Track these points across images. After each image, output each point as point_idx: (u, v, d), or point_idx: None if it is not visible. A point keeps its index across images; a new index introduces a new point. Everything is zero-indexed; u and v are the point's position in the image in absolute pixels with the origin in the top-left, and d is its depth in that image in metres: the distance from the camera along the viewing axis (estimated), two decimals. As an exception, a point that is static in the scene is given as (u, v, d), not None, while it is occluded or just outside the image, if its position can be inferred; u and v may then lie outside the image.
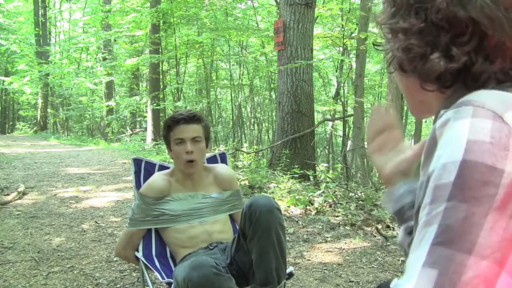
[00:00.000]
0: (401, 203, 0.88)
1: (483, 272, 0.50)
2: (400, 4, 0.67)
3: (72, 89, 16.99)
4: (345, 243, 3.34)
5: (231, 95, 14.84)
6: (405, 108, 11.20)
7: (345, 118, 8.76)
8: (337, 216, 4.00)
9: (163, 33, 11.40)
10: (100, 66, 15.42)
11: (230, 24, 11.41)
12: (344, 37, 9.25)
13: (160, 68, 12.36)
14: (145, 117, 13.46)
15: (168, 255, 2.07)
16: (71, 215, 3.99)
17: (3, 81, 16.39)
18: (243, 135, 14.84)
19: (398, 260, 3.00)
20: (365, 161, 7.87)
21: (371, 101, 14.02)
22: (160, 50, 11.62)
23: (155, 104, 10.97)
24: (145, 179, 2.12)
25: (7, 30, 18.43)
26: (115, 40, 14.78)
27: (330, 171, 7.80)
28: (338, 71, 11.99)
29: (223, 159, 2.38)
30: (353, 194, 4.77)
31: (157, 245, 2.06)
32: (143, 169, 2.19)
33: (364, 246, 3.26)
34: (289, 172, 5.55)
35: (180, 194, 2.02)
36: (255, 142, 14.36)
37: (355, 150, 7.69)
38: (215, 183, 2.10)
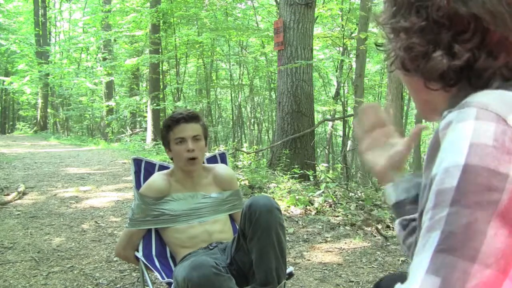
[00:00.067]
0: (405, 195, 0.87)
1: (487, 281, 0.49)
2: (401, 3, 0.67)
3: (72, 89, 17.00)
4: (345, 243, 3.34)
5: (231, 95, 14.84)
6: (405, 108, 11.20)
7: (345, 118, 8.75)
8: (337, 216, 4.00)
9: (163, 33, 11.40)
10: (100, 66, 15.42)
11: (230, 24, 11.41)
12: (344, 37, 9.25)
13: (160, 68, 12.36)
14: (145, 117, 13.46)
15: (168, 255, 2.07)
16: (71, 215, 3.99)
17: (3, 81, 16.40)
18: (243, 135, 14.84)
19: (398, 260, 3.00)
20: (365, 161, 7.85)
21: (371, 101, 14.00)
22: (160, 50, 11.62)
23: (155, 104, 10.97)
24: (145, 179, 2.12)
25: (7, 30, 18.43)
26: (115, 40, 14.78)
27: (330, 171, 7.79)
28: (338, 71, 11.98)
29: (223, 159, 2.38)
30: (353, 194, 4.77)
31: (157, 245, 2.06)
32: (143, 169, 2.19)
33: (364, 246, 3.26)
34: (289, 172, 5.55)
35: (180, 194, 2.02)
36: (255, 142, 14.36)
37: (355, 150, 7.70)
38: (215, 183, 2.10)
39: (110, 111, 15.74)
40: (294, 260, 2.98)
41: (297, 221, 3.85)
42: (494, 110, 0.55)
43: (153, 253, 2.03)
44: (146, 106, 12.72)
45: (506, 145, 0.53)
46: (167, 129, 2.00)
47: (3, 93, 20.72)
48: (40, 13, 17.42)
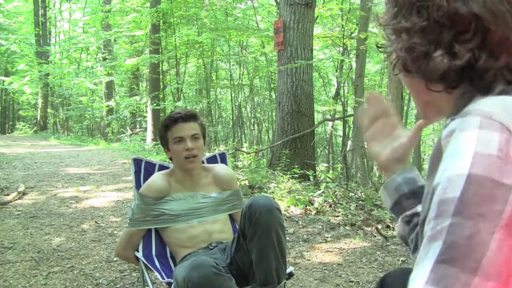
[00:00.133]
0: (398, 194, 0.88)
1: None
2: (402, 4, 0.67)
3: (72, 89, 17.00)
4: (345, 243, 3.34)
5: (231, 95, 14.84)
6: (405, 108, 11.20)
7: (345, 118, 8.76)
8: (337, 216, 4.00)
9: (163, 33, 11.40)
10: (100, 66, 15.43)
11: (230, 24, 11.41)
12: (344, 37, 9.25)
13: (160, 68, 12.36)
14: (145, 117, 13.46)
15: (168, 255, 2.07)
16: (71, 215, 3.99)
17: (3, 81, 16.40)
18: (243, 135, 14.84)
19: (398, 260, 3.00)
20: (365, 161, 7.88)
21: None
22: (160, 50, 11.62)
23: (155, 104, 10.97)
24: (145, 179, 2.12)
25: (7, 30, 18.43)
26: (115, 40, 14.79)
27: (330, 171, 7.79)
28: (338, 71, 11.98)
29: (223, 159, 2.38)
30: (353, 194, 4.77)
31: (157, 245, 2.06)
32: (143, 169, 2.19)
33: (364, 246, 3.26)
34: (289, 172, 5.55)
35: (180, 194, 2.02)
36: (255, 142, 14.37)
37: (355, 150, 7.70)
38: (214, 183, 2.10)
39: (110, 111, 15.74)
40: (294, 260, 2.98)
41: (297, 221, 3.85)
42: (498, 119, 0.54)
43: (153, 253, 2.03)
44: (146, 106, 12.72)
45: (510, 155, 0.52)
46: (165, 128, 1.99)
47: (3, 93, 20.73)
48: (40, 13, 17.42)
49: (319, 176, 6.29)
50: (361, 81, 7.66)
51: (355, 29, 9.36)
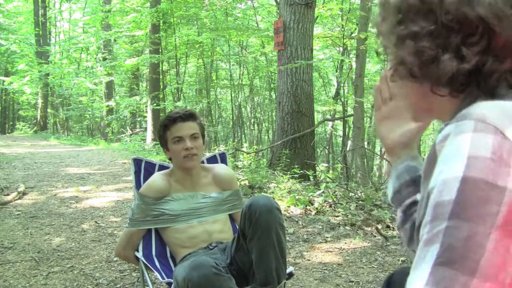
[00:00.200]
0: (399, 182, 0.88)
1: None
2: (407, 9, 0.67)
3: (72, 89, 17.01)
4: (345, 243, 3.34)
5: (231, 95, 14.84)
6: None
7: (345, 118, 8.76)
8: (337, 216, 4.00)
9: (163, 33, 11.40)
10: (100, 66, 15.43)
11: (230, 24, 11.41)
12: (344, 37, 9.25)
13: (160, 68, 12.36)
14: (145, 117, 13.46)
15: (168, 255, 2.07)
16: (71, 215, 3.99)
17: (3, 81, 16.41)
18: (243, 135, 14.84)
19: (398, 260, 3.00)
20: (365, 161, 7.87)
21: (371, 101, 14.00)
22: (160, 50, 11.62)
23: (155, 104, 10.98)
24: (145, 179, 2.12)
25: (7, 30, 18.44)
26: (115, 40, 14.79)
27: (330, 171, 7.79)
28: (338, 71, 11.99)
29: (223, 159, 2.38)
30: (353, 194, 4.77)
31: (157, 245, 2.06)
32: (143, 169, 2.19)
33: (364, 246, 3.26)
34: (289, 172, 5.55)
35: (180, 194, 2.02)
36: (255, 142, 14.37)
37: (355, 150, 7.70)
38: (214, 183, 2.10)
39: (110, 111, 15.75)
40: (294, 260, 2.98)
41: (297, 221, 3.85)
42: (492, 123, 0.55)
43: (153, 253, 2.03)
44: (146, 106, 12.72)
45: (504, 158, 0.53)
46: (164, 128, 1.99)
47: (3, 93, 20.73)
48: (40, 13, 17.42)
49: (319, 176, 6.30)
50: (361, 81, 7.66)
51: (355, 29, 9.36)
